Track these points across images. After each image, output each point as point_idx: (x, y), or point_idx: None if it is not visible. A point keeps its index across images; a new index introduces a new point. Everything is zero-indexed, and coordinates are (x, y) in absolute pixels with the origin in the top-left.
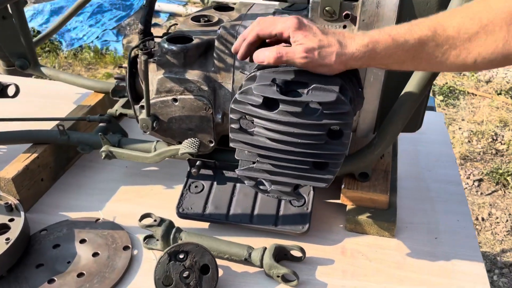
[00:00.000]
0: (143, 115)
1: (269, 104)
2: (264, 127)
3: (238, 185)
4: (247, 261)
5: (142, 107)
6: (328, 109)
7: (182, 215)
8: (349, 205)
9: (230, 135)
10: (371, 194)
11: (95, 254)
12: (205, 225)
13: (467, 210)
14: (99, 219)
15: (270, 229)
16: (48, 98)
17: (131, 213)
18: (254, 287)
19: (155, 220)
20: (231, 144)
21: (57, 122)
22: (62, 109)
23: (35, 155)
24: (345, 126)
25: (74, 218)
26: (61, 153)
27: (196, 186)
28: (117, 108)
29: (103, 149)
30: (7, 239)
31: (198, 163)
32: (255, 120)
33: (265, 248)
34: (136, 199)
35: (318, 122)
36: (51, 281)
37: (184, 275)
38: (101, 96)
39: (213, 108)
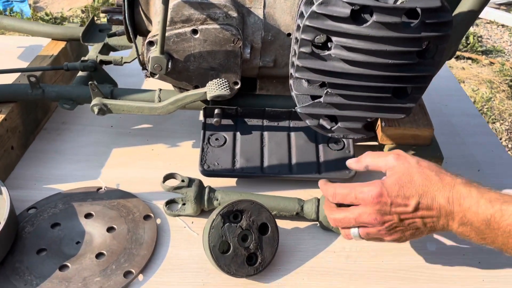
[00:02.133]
0: (155, 52)
1: (356, 17)
2: (347, 46)
3: (265, 133)
4: (298, 215)
5: (151, 43)
6: (430, 18)
7: (208, 172)
8: (388, 145)
9: (298, 62)
10: (414, 130)
11: (110, 229)
12: (230, 182)
13: (497, 140)
14: (101, 188)
15: (314, 177)
16: None
17: (137, 178)
18: (311, 242)
19: (182, 181)
20: (296, 74)
21: (18, 74)
22: (7, 66)
23: (1, 116)
24: (443, 39)
25: (67, 190)
26: (30, 114)
27: (216, 139)
28: (94, 54)
29: (94, 102)
30: None
31: (217, 111)
32: (335, 39)
33: (318, 199)
34: (137, 162)
35: (415, 35)
36: (63, 267)
37: (242, 237)
38: (62, 44)
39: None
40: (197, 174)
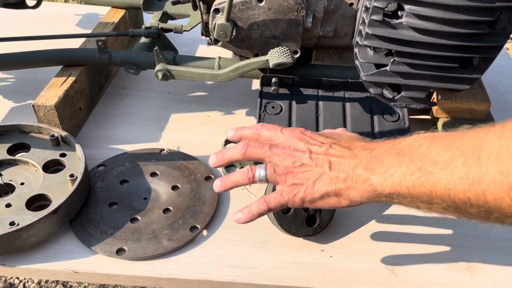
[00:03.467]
0: (220, 20)
1: None
2: (419, 15)
3: (320, 103)
4: None
5: (216, 11)
6: None
7: None
8: (443, 118)
9: (367, 29)
10: (471, 104)
11: (174, 188)
12: None
13: None
14: (163, 150)
15: None
16: (42, 21)
17: (196, 142)
18: (367, 209)
19: None
20: (365, 42)
21: (83, 40)
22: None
23: (72, 79)
24: None
25: (132, 151)
26: (94, 78)
27: (273, 107)
28: (154, 22)
29: (159, 68)
30: (72, 175)
31: (274, 79)
32: (408, 7)
33: None
34: (196, 127)
35: (490, 5)
36: (134, 220)
37: None
38: (121, 12)
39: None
40: None
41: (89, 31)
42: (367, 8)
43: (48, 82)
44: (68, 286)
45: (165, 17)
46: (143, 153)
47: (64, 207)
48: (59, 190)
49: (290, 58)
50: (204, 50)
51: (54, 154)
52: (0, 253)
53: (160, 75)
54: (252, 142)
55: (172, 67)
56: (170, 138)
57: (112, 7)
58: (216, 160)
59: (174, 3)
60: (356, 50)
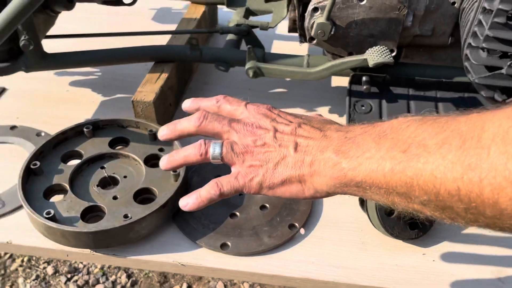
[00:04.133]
0: (320, 19)
1: None
2: None
3: (411, 102)
4: None
5: (315, 9)
6: None
7: None
8: None
9: (489, 32)
10: None
11: None
12: None
13: None
14: None
15: None
16: (118, 16)
17: None
18: None
19: None
20: (483, 44)
21: (170, 36)
22: (142, 27)
23: (165, 75)
24: None
25: None
26: (182, 74)
27: (362, 106)
28: (237, 18)
29: (250, 65)
30: (174, 170)
31: (365, 78)
32: None
33: None
34: None
35: None
36: (233, 215)
37: None
38: (202, 8)
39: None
40: None
41: (165, 26)
42: (485, 10)
43: (131, 76)
44: (129, 272)
45: (248, 13)
46: None
47: (171, 202)
48: (163, 184)
49: (391, 58)
50: (276, 46)
51: (153, 149)
52: (113, 244)
53: (251, 72)
54: (209, 114)
55: (262, 65)
56: None
57: (192, 2)
58: (166, 132)
59: (267, 0)
60: (467, 51)
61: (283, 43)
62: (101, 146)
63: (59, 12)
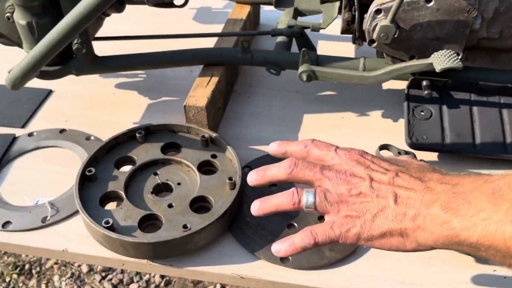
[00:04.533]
0: (384, 21)
1: None
2: None
3: (474, 108)
4: None
5: (378, 11)
6: None
7: (416, 145)
8: None
9: None
10: None
11: None
12: (431, 156)
13: None
14: None
15: None
16: (157, 16)
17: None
18: None
19: (399, 153)
20: None
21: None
22: (184, 27)
23: (215, 79)
24: None
25: None
26: (229, 77)
27: (422, 111)
28: (287, 19)
29: (303, 68)
30: (230, 178)
31: (426, 82)
32: None
33: None
34: (330, 129)
35: None
36: (290, 226)
37: None
38: (247, 8)
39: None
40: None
41: (206, 26)
42: None
43: (174, 78)
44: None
45: (296, 13)
46: None
47: (229, 212)
48: (218, 192)
49: (459, 63)
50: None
51: (205, 155)
52: (172, 254)
53: (304, 76)
54: (300, 161)
55: (317, 68)
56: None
57: (236, 2)
58: (256, 178)
59: (323, 2)
60: None
61: (327, 43)
62: (153, 151)
63: (109, 15)
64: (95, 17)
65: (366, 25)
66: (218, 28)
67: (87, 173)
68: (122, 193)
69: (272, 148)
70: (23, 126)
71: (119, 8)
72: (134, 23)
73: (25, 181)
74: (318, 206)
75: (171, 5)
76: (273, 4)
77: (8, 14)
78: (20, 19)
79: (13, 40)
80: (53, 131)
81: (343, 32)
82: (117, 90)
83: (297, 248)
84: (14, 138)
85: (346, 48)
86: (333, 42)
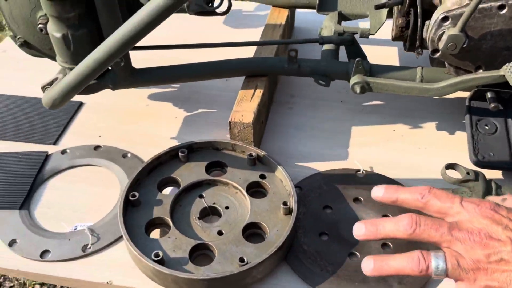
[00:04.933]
0: (452, 29)
1: None
2: None
3: None
4: None
5: (445, 19)
6: None
7: (482, 163)
8: None
9: None
10: None
11: (384, 216)
12: (495, 174)
13: None
14: (358, 171)
15: None
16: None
17: (390, 161)
18: None
19: (468, 173)
20: None
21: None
22: (215, 33)
23: (260, 91)
24: None
25: (326, 171)
26: (270, 87)
27: (486, 125)
28: (330, 25)
29: (356, 80)
30: (285, 203)
31: (491, 94)
32: None
33: None
34: (383, 143)
35: None
36: (351, 255)
37: None
38: (285, 12)
39: None
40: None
41: (239, 30)
42: None
43: (208, 88)
44: None
45: (340, 18)
46: (338, 174)
47: (287, 241)
48: (271, 218)
49: None
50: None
51: (253, 175)
52: None
53: (358, 88)
54: (422, 219)
55: (372, 79)
56: (359, 156)
57: (273, 5)
58: (365, 232)
59: (378, 8)
60: None
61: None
62: (197, 171)
63: None
64: (153, 29)
65: (429, 33)
66: (250, 32)
67: (130, 198)
68: (169, 220)
69: (378, 193)
70: (55, 143)
71: None
72: (159, 27)
73: (61, 204)
74: (451, 274)
75: (213, 13)
76: (315, 8)
77: (40, 26)
78: (54, 31)
79: (44, 52)
80: (87, 148)
81: (395, 39)
82: (150, 102)
83: None
84: (46, 156)
85: (390, 54)
86: (374, 47)
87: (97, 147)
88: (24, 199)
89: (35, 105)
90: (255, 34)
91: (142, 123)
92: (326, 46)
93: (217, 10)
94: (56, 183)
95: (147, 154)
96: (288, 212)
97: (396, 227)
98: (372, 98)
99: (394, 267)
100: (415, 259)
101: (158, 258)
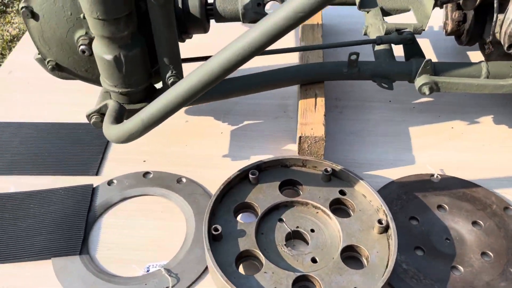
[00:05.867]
0: None
1: None
2: None
3: None
4: None
5: None
6: None
7: None
8: None
9: None
10: None
11: (475, 224)
12: None
13: None
14: (433, 175)
15: None
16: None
17: (460, 163)
18: None
19: None
20: None
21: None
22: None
23: (321, 99)
24: None
25: (399, 179)
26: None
27: None
28: (375, 22)
29: (425, 80)
30: (380, 221)
31: None
32: None
33: None
34: (444, 142)
35: None
36: (453, 268)
37: None
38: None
39: None
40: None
41: None
42: None
43: (248, 98)
44: None
45: (382, 14)
46: (413, 182)
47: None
48: (367, 239)
49: None
50: None
51: (332, 192)
52: None
53: (427, 89)
54: None
55: (440, 79)
56: (424, 158)
57: None
58: None
59: (442, 3)
60: None
61: None
62: (271, 193)
63: (191, 37)
64: (268, 46)
65: (505, 27)
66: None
67: (214, 233)
68: (258, 252)
69: None
70: (97, 173)
71: (207, 29)
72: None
73: (122, 244)
74: None
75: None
76: (356, 5)
77: (83, 47)
78: (104, 53)
79: (78, 74)
80: (136, 176)
81: (451, 33)
82: (189, 117)
83: None
84: (93, 190)
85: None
86: None
87: (146, 174)
88: (81, 243)
89: (61, 131)
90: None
91: (189, 143)
92: (380, 46)
93: None
94: (111, 220)
95: (202, 177)
96: (384, 230)
97: None
98: (418, 95)
99: None
100: None
101: None
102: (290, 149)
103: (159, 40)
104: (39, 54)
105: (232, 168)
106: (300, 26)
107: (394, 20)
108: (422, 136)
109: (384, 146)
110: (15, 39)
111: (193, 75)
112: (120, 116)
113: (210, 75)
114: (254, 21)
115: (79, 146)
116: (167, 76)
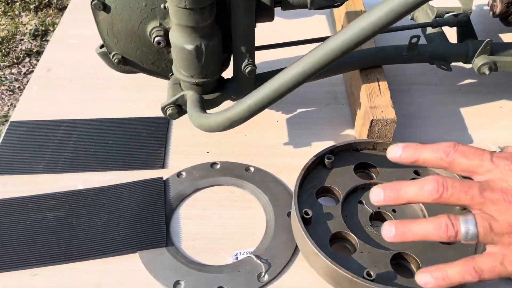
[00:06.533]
0: None
1: None
2: None
3: None
4: None
5: None
6: None
7: None
8: None
9: None
10: None
11: None
12: None
13: None
14: (495, 152)
15: None
16: None
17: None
18: None
19: None
20: None
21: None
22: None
23: (384, 83)
24: None
25: None
26: None
27: None
28: (423, 7)
29: (484, 60)
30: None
31: None
32: None
33: None
34: (496, 122)
35: None
36: None
37: None
38: None
39: None
40: None
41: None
42: None
43: None
44: None
45: None
46: None
47: None
48: (451, 213)
49: None
50: None
51: (407, 173)
52: None
53: (486, 69)
54: (448, 181)
55: (499, 59)
56: (482, 136)
57: None
58: (385, 198)
59: None
60: None
61: None
62: (347, 177)
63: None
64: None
65: None
66: (309, 22)
67: (305, 216)
68: (349, 233)
69: (395, 153)
70: (163, 166)
71: (272, 17)
72: None
73: (204, 234)
74: (482, 238)
75: (331, 6)
76: None
77: (158, 38)
78: (185, 42)
79: (143, 67)
80: (204, 167)
81: (499, 15)
82: None
83: (453, 282)
84: (164, 182)
85: None
86: None
87: (213, 164)
88: (166, 234)
89: (114, 125)
90: (318, 24)
91: (247, 132)
92: (432, 30)
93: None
94: (188, 212)
95: (267, 164)
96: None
97: (420, 191)
98: (463, 76)
99: (419, 234)
100: (442, 225)
101: (371, 278)
102: (349, 134)
103: (237, 29)
104: (102, 47)
105: (296, 155)
106: (344, 13)
107: (437, 4)
108: (473, 116)
109: (442, 126)
110: (4, 41)
111: (308, 56)
112: (204, 105)
113: (329, 54)
114: (322, 7)
115: (139, 140)
116: (244, 65)
